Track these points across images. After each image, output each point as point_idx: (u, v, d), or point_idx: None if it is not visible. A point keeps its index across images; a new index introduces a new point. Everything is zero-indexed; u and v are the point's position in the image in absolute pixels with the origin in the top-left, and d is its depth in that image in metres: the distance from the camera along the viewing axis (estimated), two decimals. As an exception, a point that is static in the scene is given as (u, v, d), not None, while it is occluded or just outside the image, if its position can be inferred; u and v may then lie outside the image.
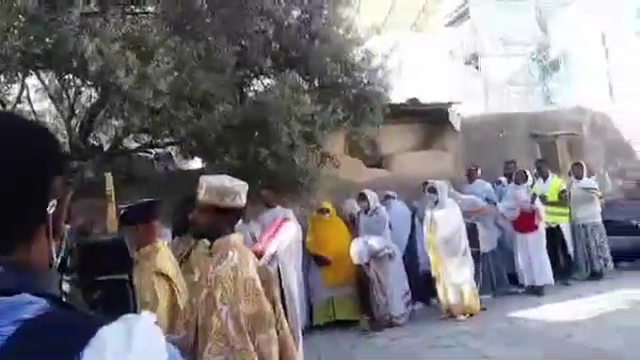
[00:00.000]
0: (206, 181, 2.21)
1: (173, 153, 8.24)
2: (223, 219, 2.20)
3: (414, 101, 8.95)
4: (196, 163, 8.58)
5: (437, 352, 5.17)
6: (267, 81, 8.12)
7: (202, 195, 2.19)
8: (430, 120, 9.06)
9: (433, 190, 6.40)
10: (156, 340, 0.63)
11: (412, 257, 6.96)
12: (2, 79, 7.29)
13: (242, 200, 2.23)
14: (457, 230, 6.32)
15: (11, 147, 0.69)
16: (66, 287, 2.26)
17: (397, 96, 8.46)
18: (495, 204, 7.47)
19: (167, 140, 7.21)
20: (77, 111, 8.55)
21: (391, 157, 8.61)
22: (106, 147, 8.77)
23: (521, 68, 16.58)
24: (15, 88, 7.83)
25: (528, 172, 7.47)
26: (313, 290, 6.49)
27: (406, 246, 6.93)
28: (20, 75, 7.16)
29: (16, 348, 0.59)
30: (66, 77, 6.13)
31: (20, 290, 0.64)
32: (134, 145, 8.71)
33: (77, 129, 8.23)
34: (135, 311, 2.49)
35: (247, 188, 2.28)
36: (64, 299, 0.69)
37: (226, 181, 2.23)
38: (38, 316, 0.63)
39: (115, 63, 4.60)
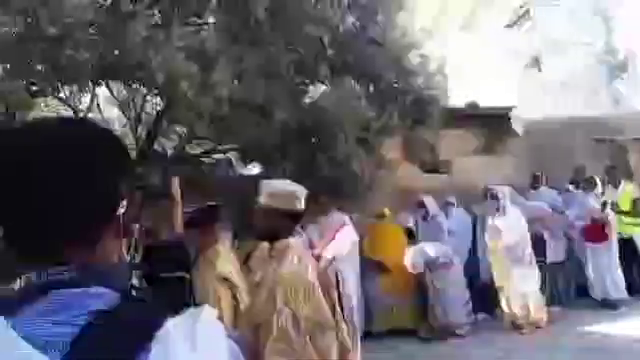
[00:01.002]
0: (267, 185, 2.26)
1: (233, 159, 8.45)
2: (283, 222, 2.24)
3: (473, 105, 8.72)
4: (255, 169, 8.75)
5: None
6: (323, 87, 8.19)
7: (263, 198, 2.24)
8: (490, 124, 8.78)
9: (495, 196, 6.18)
10: (219, 333, 0.64)
11: (474, 266, 6.75)
12: (74, 89, 7.80)
13: (302, 204, 2.26)
14: (521, 238, 6.07)
15: (82, 149, 0.72)
16: (136, 281, 2.37)
17: (456, 99, 8.28)
18: (562, 213, 7.11)
19: (228, 146, 7.41)
20: (143, 119, 8.97)
21: (450, 162, 8.41)
22: (170, 153, 9.14)
23: (585, 69, 15.77)
24: (86, 97, 8.33)
25: (597, 178, 7.07)
26: (371, 297, 6.42)
27: (467, 255, 6.74)
28: (91, 85, 7.62)
29: (88, 338, 0.62)
30: (133, 87, 6.47)
31: (91, 283, 0.68)
32: (196, 151, 9.02)
33: (143, 136, 8.63)
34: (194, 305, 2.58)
35: (306, 193, 2.31)
36: (134, 293, 0.72)
37: (287, 185, 2.28)
38: (109, 307, 0.66)
39: (179, 74, 4.81)
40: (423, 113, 7.37)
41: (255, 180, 7.67)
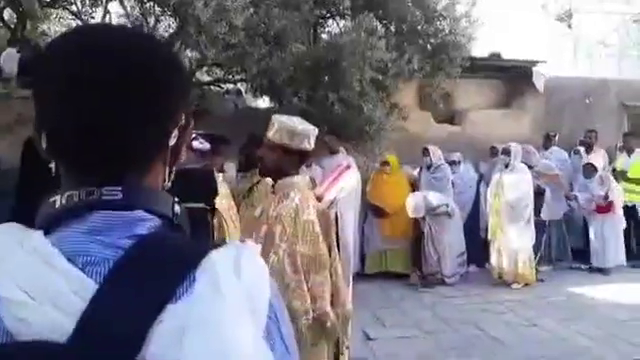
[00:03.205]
0: (278, 120, 2.19)
1: (243, 90, 8.31)
2: (290, 159, 2.20)
3: (496, 56, 8.42)
4: (264, 102, 8.62)
5: (486, 316, 5.10)
6: (343, 23, 7.89)
7: (272, 133, 2.18)
8: (511, 78, 8.50)
9: (507, 152, 6.09)
10: (262, 269, 0.63)
11: (474, 222, 6.77)
12: (87, 3, 7.57)
13: (310, 144, 2.21)
14: (525, 196, 6.04)
15: (136, 66, 0.66)
16: (177, 208, 2.35)
17: (479, 49, 7.98)
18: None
19: (238, 77, 7.25)
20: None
21: (464, 114, 8.22)
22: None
23: (617, 29, 15.08)
24: (98, 13, 8.10)
25: (597, 165, 6.94)
26: (368, 240, 6.52)
27: (470, 210, 6.74)
28: (103, 0, 7.38)
29: (133, 261, 0.60)
30: (147, 5, 6.25)
31: (135, 207, 0.65)
32: (207, 78, 8.85)
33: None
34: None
35: (317, 132, 2.26)
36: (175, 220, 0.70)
37: (297, 123, 2.21)
38: (152, 232, 0.65)
39: (194, -7, 4.62)
40: (444, 59, 7.12)
41: (263, 114, 7.60)
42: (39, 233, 0.62)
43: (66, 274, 0.58)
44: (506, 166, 6.12)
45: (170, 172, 0.75)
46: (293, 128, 2.18)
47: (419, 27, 7.30)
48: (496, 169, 6.37)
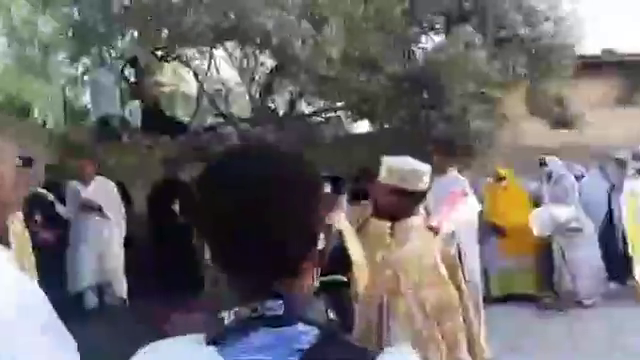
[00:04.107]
0: (389, 163, 2.16)
1: (342, 117, 8.42)
2: (406, 202, 2.14)
3: (610, 52, 7.72)
4: (363, 126, 8.65)
5: (635, 341, 4.54)
6: (437, 37, 7.73)
7: (384, 177, 2.14)
8: (630, 73, 7.73)
9: (638, 157, 5.48)
10: None
11: (610, 234, 6.13)
12: (195, 52, 8.21)
13: (425, 183, 2.14)
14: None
15: (298, 182, 0.73)
16: (331, 315, 2.36)
17: (590, 47, 7.38)
18: None
19: (338, 104, 7.38)
20: (256, 77, 9.23)
21: (582, 117, 7.56)
22: (281, 110, 9.36)
23: None
24: (205, 59, 8.74)
25: None
26: (490, 261, 6.15)
27: (603, 222, 6.13)
28: (209, 47, 7.94)
29: None
30: (247, 48, 6.61)
31: (294, 320, 0.70)
32: (307, 108, 9.13)
33: (257, 95, 8.91)
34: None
35: (431, 170, 2.18)
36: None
37: (409, 163, 2.15)
38: (313, 345, 0.69)
39: (292, 35, 4.80)
40: (552, 62, 6.66)
41: (364, 138, 7.64)
42: (211, 349, 0.69)
43: None
44: (638, 172, 5.51)
45: (318, 272, 0.79)
46: (405, 170, 2.11)
47: (520, 32, 6.94)
48: (628, 175, 5.74)
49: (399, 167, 2.12)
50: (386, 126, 7.02)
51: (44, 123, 7.12)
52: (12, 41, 6.98)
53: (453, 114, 6.05)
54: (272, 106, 9.27)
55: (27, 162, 4.32)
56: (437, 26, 7.29)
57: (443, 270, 2.06)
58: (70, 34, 6.02)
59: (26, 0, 6.25)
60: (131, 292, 5.62)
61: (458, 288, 2.11)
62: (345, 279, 2.24)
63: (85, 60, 6.88)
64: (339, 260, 2.29)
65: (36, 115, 6.93)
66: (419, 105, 6.26)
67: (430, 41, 7.80)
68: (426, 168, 2.15)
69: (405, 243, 2.10)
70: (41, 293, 1.10)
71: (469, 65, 5.92)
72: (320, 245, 0.76)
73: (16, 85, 6.88)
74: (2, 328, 0.98)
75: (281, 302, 0.70)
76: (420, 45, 7.87)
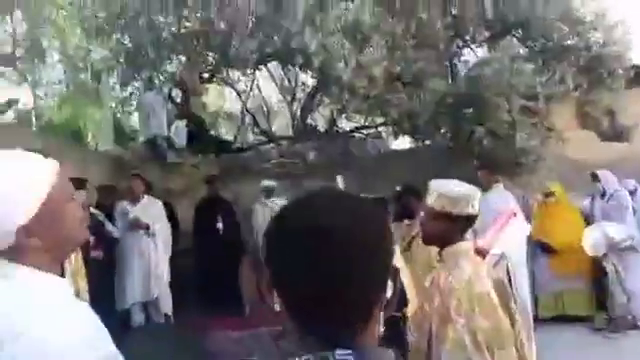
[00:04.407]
0: (436, 187, 2.11)
1: (383, 133, 8.39)
2: (454, 226, 2.08)
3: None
4: (405, 142, 8.58)
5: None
6: (480, 51, 7.60)
7: (432, 201, 2.10)
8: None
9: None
10: None
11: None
12: (239, 74, 8.40)
13: (475, 207, 2.07)
14: None
15: (370, 231, 0.73)
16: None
17: (640, 55, 7.06)
18: None
19: (379, 121, 7.36)
20: (297, 95, 9.35)
21: (633, 129, 7.24)
22: (322, 128, 9.42)
23: None
24: (248, 79, 8.92)
25: None
26: (538, 280, 5.93)
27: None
28: (252, 69, 8.10)
29: None
30: (290, 69, 6.71)
31: None
32: (347, 125, 9.14)
33: (298, 113, 9.02)
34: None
35: (479, 194, 2.12)
36: None
37: (457, 187, 2.10)
38: None
39: (334, 56, 4.84)
40: (602, 73, 6.42)
41: (406, 155, 7.56)
42: None
43: None
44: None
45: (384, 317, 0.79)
46: (454, 194, 2.05)
47: (567, 42, 6.73)
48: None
49: (447, 192, 2.07)
50: (427, 142, 6.93)
51: (95, 145, 7.43)
52: (68, 68, 7.36)
53: (499, 129, 5.91)
54: (312, 123, 9.35)
55: (81, 184, 4.51)
56: (480, 39, 7.18)
57: (495, 298, 1.99)
58: (122, 60, 6.30)
59: (81, 29, 6.58)
60: (176, 309, 5.74)
61: (511, 318, 2.04)
62: (400, 315, 2.20)
63: (134, 83, 7.17)
64: (398, 299, 2.26)
65: (89, 139, 7.25)
66: (463, 120, 6.15)
67: (473, 55, 7.69)
68: (476, 192, 2.09)
69: (454, 269, 2.05)
70: (104, 328, 1.13)
71: (515, 78, 5.78)
72: (389, 293, 0.75)
73: (72, 110, 7.24)
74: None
75: (350, 351, 0.70)
76: (463, 59, 7.78)
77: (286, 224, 0.75)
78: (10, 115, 6.00)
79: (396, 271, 2.16)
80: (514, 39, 6.57)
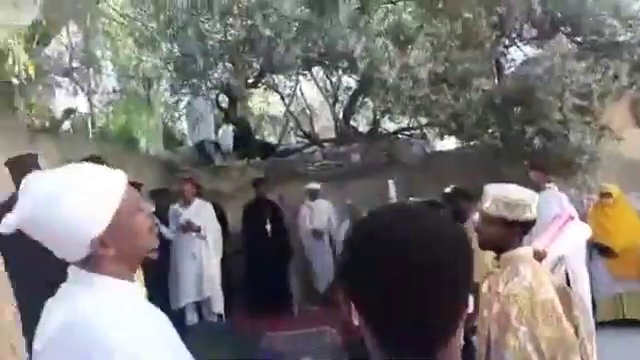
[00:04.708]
0: (492, 191, 2.09)
1: (428, 134, 8.30)
2: (511, 232, 2.05)
3: None
4: (451, 142, 8.46)
5: None
6: (527, 49, 7.41)
7: (488, 205, 2.07)
8: None
9: None
10: None
11: None
12: (282, 78, 8.51)
13: (532, 212, 2.03)
14: None
15: (454, 246, 0.73)
16: None
17: None
18: None
19: (424, 122, 7.29)
20: (340, 97, 9.37)
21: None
22: (364, 129, 9.40)
23: None
24: (291, 83, 9.02)
25: None
26: (596, 283, 5.72)
27: None
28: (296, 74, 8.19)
29: None
30: (333, 75, 6.75)
31: None
32: (390, 126, 9.09)
33: (340, 115, 9.04)
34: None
35: (538, 198, 2.09)
36: None
37: (514, 191, 2.07)
38: None
39: (379, 59, 4.84)
40: (659, 68, 6.15)
41: (452, 156, 7.44)
42: None
43: None
44: None
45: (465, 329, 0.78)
46: (510, 199, 2.02)
47: (620, 38, 6.47)
48: None
49: (504, 197, 2.04)
50: (472, 143, 6.81)
51: (147, 150, 7.72)
52: (120, 77, 7.68)
53: (551, 128, 5.75)
54: (355, 125, 9.36)
55: (137, 188, 4.70)
56: (527, 37, 7.00)
57: (559, 307, 1.95)
58: (171, 68, 6.53)
59: (133, 40, 6.86)
60: (227, 308, 5.87)
61: (575, 326, 2.00)
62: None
63: (183, 90, 7.40)
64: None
65: (142, 145, 7.53)
66: (512, 120, 6.01)
67: (520, 53, 7.51)
68: (533, 197, 2.06)
69: (514, 275, 2.02)
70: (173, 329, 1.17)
71: (567, 77, 5.61)
72: (471, 308, 0.76)
73: (125, 117, 7.56)
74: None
75: None
76: (510, 57, 7.60)
77: (370, 239, 0.73)
78: (67, 124, 6.31)
79: (476, 285, 2.13)
80: (563, 36, 6.35)
